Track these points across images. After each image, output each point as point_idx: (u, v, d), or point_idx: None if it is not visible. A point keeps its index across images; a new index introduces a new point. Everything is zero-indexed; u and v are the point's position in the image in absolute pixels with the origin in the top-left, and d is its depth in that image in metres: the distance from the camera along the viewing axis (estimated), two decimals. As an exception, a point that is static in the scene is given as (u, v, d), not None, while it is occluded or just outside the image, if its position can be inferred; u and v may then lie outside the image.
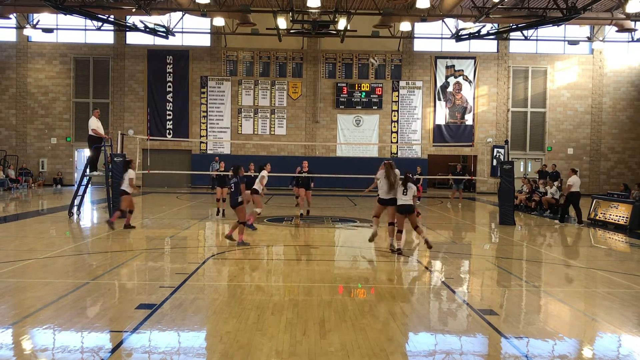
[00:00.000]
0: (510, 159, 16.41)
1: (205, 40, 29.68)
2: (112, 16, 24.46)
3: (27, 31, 27.94)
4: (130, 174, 12.46)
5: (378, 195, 10.10)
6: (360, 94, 29.36)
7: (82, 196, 15.98)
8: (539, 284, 7.89)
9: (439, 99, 29.88)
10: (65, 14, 22.46)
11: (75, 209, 15.00)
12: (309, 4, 20.92)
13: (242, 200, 10.23)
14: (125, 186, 12.39)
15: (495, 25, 26.42)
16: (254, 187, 12.37)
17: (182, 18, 26.56)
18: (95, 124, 15.01)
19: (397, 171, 10.07)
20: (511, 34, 26.86)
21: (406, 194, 9.66)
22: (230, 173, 11.32)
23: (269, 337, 5.10)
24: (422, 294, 7.27)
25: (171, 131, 29.18)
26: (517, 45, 29.74)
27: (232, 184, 10.32)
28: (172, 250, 10.21)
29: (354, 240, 12.12)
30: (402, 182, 9.72)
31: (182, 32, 28.67)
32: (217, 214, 15.47)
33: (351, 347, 4.88)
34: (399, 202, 9.73)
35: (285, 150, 29.67)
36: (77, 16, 23.06)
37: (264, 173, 12.60)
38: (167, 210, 17.12)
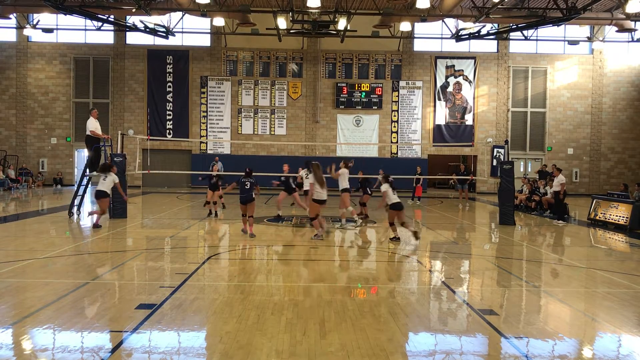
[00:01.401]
0: (510, 159, 16.42)
1: (205, 40, 29.69)
2: (112, 16, 24.46)
3: (27, 31, 27.94)
4: (115, 177, 12.87)
5: (314, 197, 11.42)
6: (360, 94, 29.36)
7: (82, 196, 15.98)
8: (539, 284, 7.88)
9: (439, 99, 29.88)
10: (65, 14, 22.45)
11: (75, 209, 15.02)
12: (309, 4, 20.92)
13: (254, 198, 11.66)
14: (106, 187, 12.73)
15: (495, 25, 26.42)
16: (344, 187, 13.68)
17: (182, 18, 26.56)
18: (93, 125, 15.01)
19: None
20: (511, 34, 26.85)
21: (395, 194, 11.31)
22: (238, 174, 12.97)
23: (269, 337, 5.10)
24: (422, 294, 7.27)
25: (171, 131, 29.19)
26: (517, 45, 29.75)
27: (249, 183, 11.57)
28: (172, 250, 10.20)
29: (354, 240, 12.11)
30: (390, 184, 11.37)
31: (182, 32, 28.68)
32: (211, 215, 15.60)
33: (351, 347, 4.88)
34: (394, 201, 11.18)
35: (285, 150, 29.67)
36: (77, 16, 23.06)
37: (343, 171, 13.78)
38: (167, 210, 17.12)
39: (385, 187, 11.32)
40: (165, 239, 11.33)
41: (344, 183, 13.72)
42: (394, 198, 11.15)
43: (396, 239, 11.14)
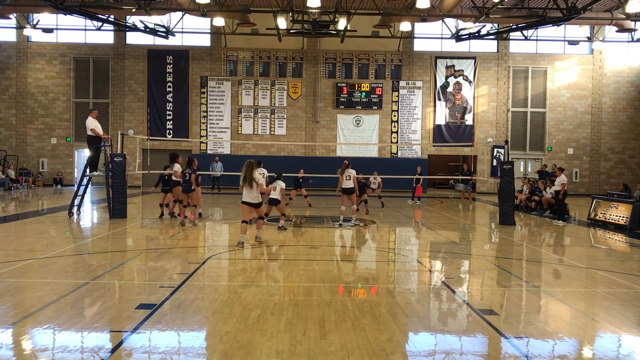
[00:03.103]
0: (510, 159, 16.41)
1: (205, 40, 29.68)
2: (112, 16, 24.47)
3: (27, 31, 27.94)
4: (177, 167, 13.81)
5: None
6: (360, 94, 29.37)
7: (82, 196, 15.98)
8: (539, 284, 7.88)
9: (439, 99, 29.88)
10: (65, 14, 22.46)
11: (75, 209, 15.01)
12: (309, 4, 20.91)
13: (194, 188, 12.88)
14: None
15: (495, 25, 26.42)
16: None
17: (182, 18, 26.57)
18: (93, 124, 15.01)
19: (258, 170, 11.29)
20: (511, 34, 26.87)
21: (276, 190, 12.46)
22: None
23: (269, 337, 5.10)
24: (422, 294, 7.26)
25: (171, 131, 29.19)
26: (517, 45, 29.75)
27: (187, 174, 12.84)
28: (172, 250, 10.20)
29: (354, 240, 12.12)
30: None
31: (182, 32, 28.68)
32: (162, 216, 14.91)
33: (351, 347, 4.88)
34: (272, 196, 12.46)
35: (285, 150, 29.67)
36: (77, 16, 23.06)
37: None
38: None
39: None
40: (165, 239, 11.32)
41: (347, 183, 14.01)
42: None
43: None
